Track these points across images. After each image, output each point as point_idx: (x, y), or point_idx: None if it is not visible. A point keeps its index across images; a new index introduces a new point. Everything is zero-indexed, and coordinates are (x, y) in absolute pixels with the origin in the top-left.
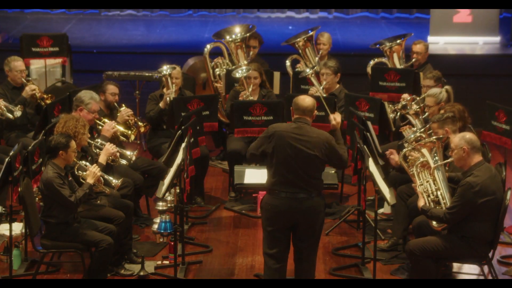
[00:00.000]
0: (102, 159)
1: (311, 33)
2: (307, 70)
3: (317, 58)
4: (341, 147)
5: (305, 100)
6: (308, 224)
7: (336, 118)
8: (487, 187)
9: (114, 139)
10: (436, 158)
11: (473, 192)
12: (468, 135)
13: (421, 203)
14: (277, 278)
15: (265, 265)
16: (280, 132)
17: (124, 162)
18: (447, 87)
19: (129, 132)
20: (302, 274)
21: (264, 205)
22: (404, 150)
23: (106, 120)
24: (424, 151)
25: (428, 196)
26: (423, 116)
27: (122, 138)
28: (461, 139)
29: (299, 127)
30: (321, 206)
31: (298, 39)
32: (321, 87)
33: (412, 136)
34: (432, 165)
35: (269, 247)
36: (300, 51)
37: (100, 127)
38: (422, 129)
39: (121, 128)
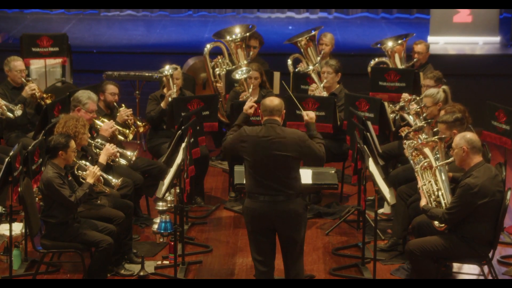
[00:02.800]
0: (102, 159)
1: (313, 32)
2: (310, 66)
3: (318, 58)
4: (317, 141)
5: (272, 101)
6: (288, 227)
7: (308, 114)
8: (486, 188)
9: (112, 138)
10: (438, 157)
11: (472, 193)
12: (469, 135)
13: (422, 202)
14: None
15: (255, 268)
16: (251, 137)
17: (124, 162)
18: (444, 87)
19: (128, 131)
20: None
21: (244, 209)
22: (409, 142)
23: (104, 119)
24: (427, 150)
25: (430, 196)
26: (422, 116)
27: (120, 137)
28: (461, 138)
29: (267, 129)
30: (301, 208)
31: (301, 38)
32: (322, 85)
33: (418, 124)
34: (434, 165)
35: (255, 251)
36: (302, 50)
37: (98, 126)
38: (425, 122)
39: (119, 128)
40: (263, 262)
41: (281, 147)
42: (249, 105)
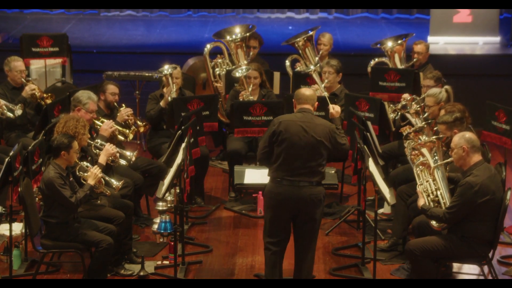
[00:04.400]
0: (101, 159)
1: (311, 33)
2: (311, 67)
3: (317, 58)
4: (342, 135)
5: (306, 90)
6: (309, 212)
7: (334, 107)
8: (487, 187)
9: (112, 138)
10: (436, 157)
11: (472, 192)
12: (468, 134)
13: (421, 202)
14: (276, 263)
15: (265, 250)
16: (287, 121)
17: (123, 162)
18: (447, 87)
19: (127, 131)
20: (302, 271)
21: (267, 193)
22: (408, 142)
23: (104, 119)
24: (424, 150)
25: (428, 196)
26: (423, 116)
27: (120, 137)
28: (460, 138)
29: (304, 115)
30: (322, 195)
31: (298, 39)
32: (323, 85)
33: (419, 124)
34: (432, 165)
35: (269, 235)
36: (300, 51)
37: (98, 126)
38: (425, 123)
39: (119, 128)
40: (276, 243)
41: (316, 132)
42: None
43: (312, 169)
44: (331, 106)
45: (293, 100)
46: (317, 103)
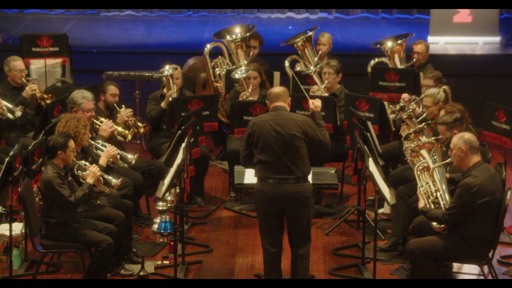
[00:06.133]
0: (102, 161)
1: (309, 33)
2: (311, 67)
3: (316, 58)
4: (322, 129)
5: (276, 88)
6: (295, 208)
7: (314, 102)
8: (486, 187)
9: (111, 138)
10: (435, 158)
11: (471, 193)
12: (467, 135)
13: (421, 204)
14: (274, 264)
15: (264, 251)
16: (259, 121)
17: (124, 165)
18: (445, 87)
19: (127, 131)
20: (297, 271)
21: (254, 192)
22: (407, 145)
23: (103, 119)
24: (423, 152)
25: (428, 197)
26: (422, 116)
27: (119, 137)
28: (459, 139)
29: (275, 114)
30: (308, 192)
31: (297, 40)
32: (323, 86)
33: (419, 126)
34: (431, 166)
35: (263, 233)
36: (299, 51)
37: (97, 126)
38: (425, 124)
39: (118, 128)
40: (272, 244)
41: (287, 127)
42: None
43: (292, 164)
44: (310, 101)
45: (266, 101)
46: (289, 98)
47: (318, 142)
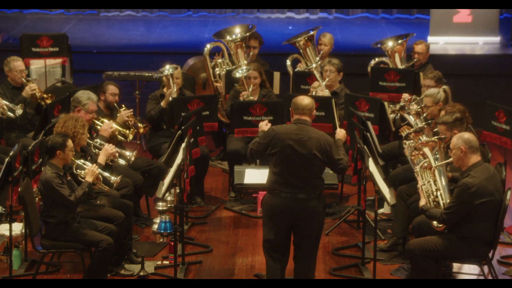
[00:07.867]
0: (101, 159)
1: (312, 32)
2: (313, 64)
3: (317, 58)
4: (342, 152)
5: (304, 100)
6: (306, 225)
7: (341, 131)
8: (484, 188)
9: (112, 138)
10: (438, 157)
11: (469, 193)
12: (466, 135)
13: (422, 202)
14: (278, 274)
15: (267, 264)
16: (280, 134)
17: (123, 162)
18: (444, 87)
19: (127, 132)
20: (301, 273)
21: (264, 205)
22: (409, 142)
23: (104, 120)
24: (426, 150)
25: (429, 196)
26: (423, 116)
27: (120, 138)
28: (458, 139)
29: (299, 128)
30: (320, 207)
31: (299, 39)
32: (324, 83)
33: (419, 125)
34: (433, 165)
35: (269, 246)
36: (300, 50)
37: (98, 127)
38: (425, 123)
39: (119, 128)
40: (276, 258)
41: (308, 146)
42: (265, 123)
43: (308, 182)
44: (338, 130)
45: (290, 108)
46: (314, 111)
47: (337, 164)
